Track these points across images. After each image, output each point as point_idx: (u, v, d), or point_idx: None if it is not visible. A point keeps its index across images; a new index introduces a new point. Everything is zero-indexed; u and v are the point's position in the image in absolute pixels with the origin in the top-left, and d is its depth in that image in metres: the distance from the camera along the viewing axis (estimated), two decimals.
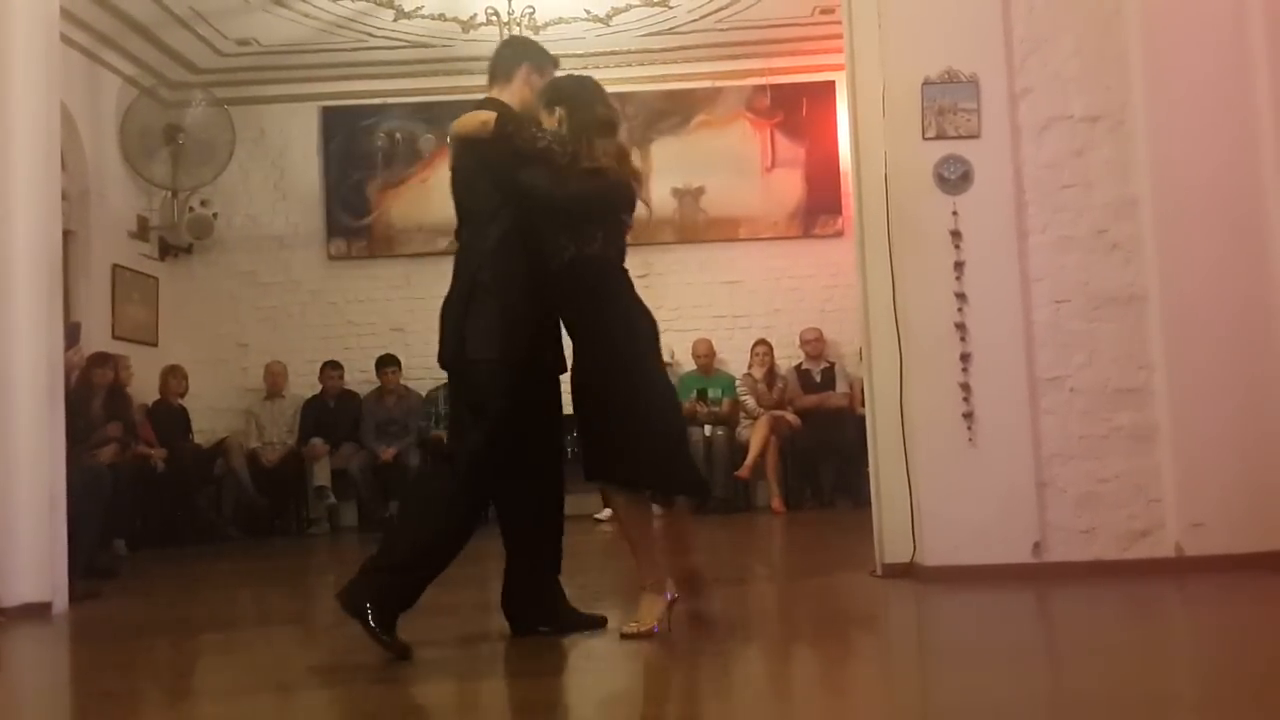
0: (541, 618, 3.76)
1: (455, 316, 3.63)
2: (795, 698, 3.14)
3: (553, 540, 3.81)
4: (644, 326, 3.68)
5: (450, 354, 3.67)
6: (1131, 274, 4.61)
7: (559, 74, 3.92)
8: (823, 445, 8.82)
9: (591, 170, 3.60)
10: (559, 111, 3.68)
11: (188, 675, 3.77)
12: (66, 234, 6.46)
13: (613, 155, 3.68)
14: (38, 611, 4.58)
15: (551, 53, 3.95)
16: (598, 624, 3.79)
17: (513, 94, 3.80)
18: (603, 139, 3.66)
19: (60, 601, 4.73)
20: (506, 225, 3.62)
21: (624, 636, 3.57)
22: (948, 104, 4.63)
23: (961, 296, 4.57)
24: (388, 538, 3.74)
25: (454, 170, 3.82)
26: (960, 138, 4.62)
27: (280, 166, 9.78)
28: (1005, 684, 2.91)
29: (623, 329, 3.62)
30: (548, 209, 3.60)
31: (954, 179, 4.61)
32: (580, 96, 3.71)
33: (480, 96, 3.89)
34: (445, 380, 4.12)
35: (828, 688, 3.22)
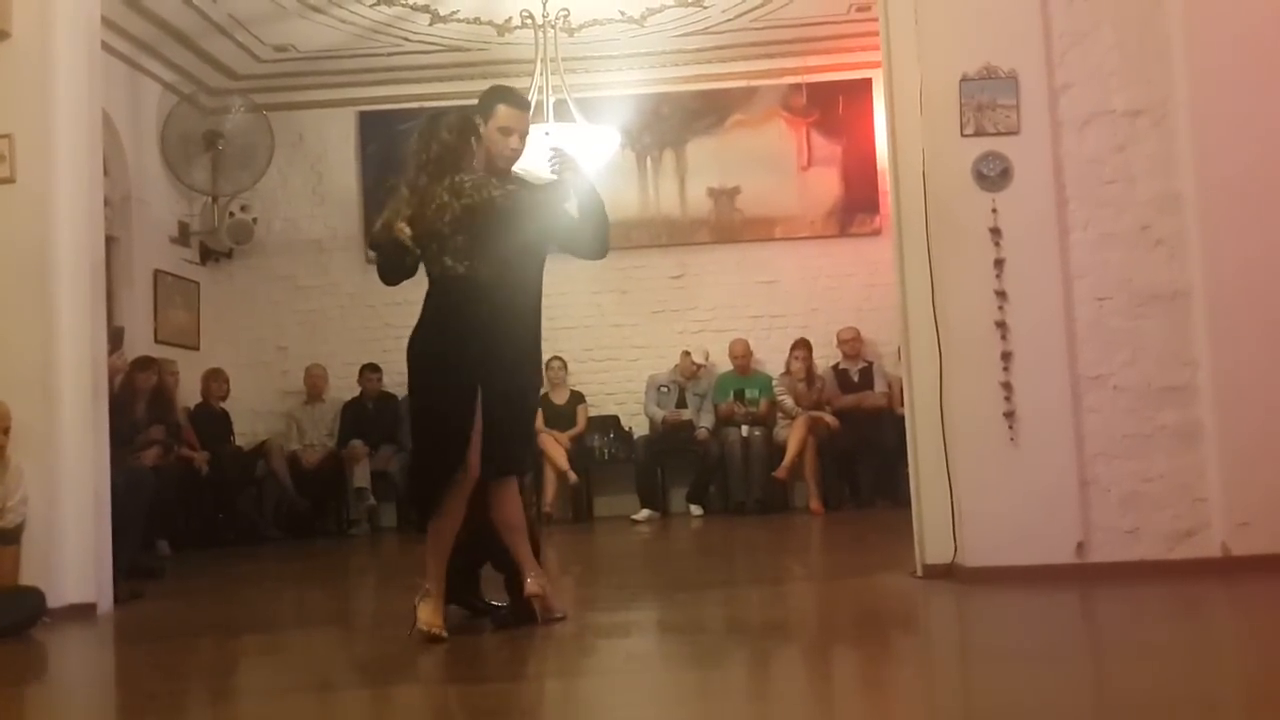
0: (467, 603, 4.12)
1: None
2: (835, 699, 3.12)
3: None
4: None
5: None
6: (1175, 270, 4.55)
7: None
8: (861, 445, 8.76)
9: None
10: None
11: (231, 675, 3.80)
12: (109, 239, 6.55)
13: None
14: (83, 612, 4.64)
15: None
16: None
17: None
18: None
19: (105, 602, 4.79)
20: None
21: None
22: (986, 100, 4.59)
23: (1002, 294, 4.52)
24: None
25: None
26: (999, 134, 4.57)
27: (318, 171, 9.86)
28: (1049, 686, 2.87)
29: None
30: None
31: (993, 176, 4.57)
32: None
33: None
34: None
35: (868, 689, 3.20)
